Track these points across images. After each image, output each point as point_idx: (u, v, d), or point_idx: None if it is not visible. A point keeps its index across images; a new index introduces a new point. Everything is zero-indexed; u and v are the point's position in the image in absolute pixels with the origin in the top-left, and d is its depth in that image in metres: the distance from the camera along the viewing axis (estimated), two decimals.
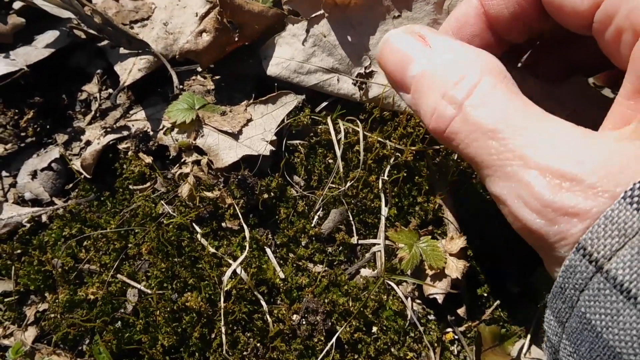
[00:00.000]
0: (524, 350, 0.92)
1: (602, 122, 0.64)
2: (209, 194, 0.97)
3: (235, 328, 0.88)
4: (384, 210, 0.98)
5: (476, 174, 1.00)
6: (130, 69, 1.10)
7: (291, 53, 1.02)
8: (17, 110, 1.11)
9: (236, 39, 1.03)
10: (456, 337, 0.94)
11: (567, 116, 0.73)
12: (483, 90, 0.64)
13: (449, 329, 0.95)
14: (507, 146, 0.59)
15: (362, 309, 0.90)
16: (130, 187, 1.03)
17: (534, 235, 0.59)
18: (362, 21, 0.98)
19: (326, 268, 0.95)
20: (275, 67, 1.03)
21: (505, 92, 0.63)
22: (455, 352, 0.93)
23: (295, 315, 0.89)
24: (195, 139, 1.02)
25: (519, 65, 0.96)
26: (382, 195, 0.99)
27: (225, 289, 0.88)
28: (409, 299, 0.94)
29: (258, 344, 0.87)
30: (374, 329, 0.91)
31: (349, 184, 0.98)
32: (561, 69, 0.87)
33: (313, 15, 0.99)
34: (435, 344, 0.92)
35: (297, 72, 1.02)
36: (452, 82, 0.66)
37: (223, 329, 0.87)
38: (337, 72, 1.02)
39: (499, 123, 0.60)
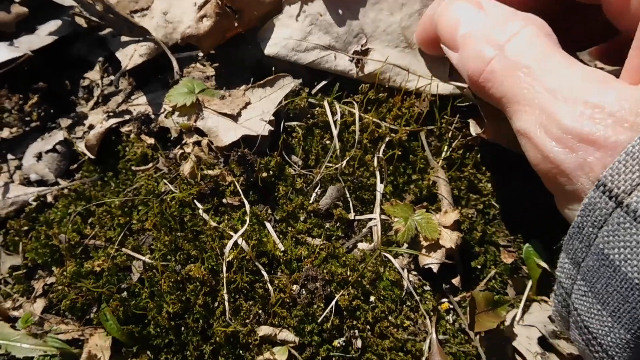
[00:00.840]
0: (517, 318, 0.95)
1: None
2: (210, 172, 1.00)
3: (237, 296, 0.91)
4: (380, 187, 1.01)
5: (468, 153, 1.03)
6: (132, 55, 1.13)
7: (289, 32, 1.05)
8: (21, 96, 1.14)
9: (236, 24, 1.07)
10: (451, 306, 0.97)
11: None
12: (523, 37, 0.70)
13: (444, 299, 0.97)
14: (538, 81, 0.65)
15: (359, 278, 0.93)
16: (133, 168, 1.06)
17: (552, 167, 0.63)
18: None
19: (324, 241, 0.98)
20: (273, 46, 1.05)
21: (543, 42, 0.69)
22: (451, 321, 0.96)
23: (295, 286, 0.92)
24: (195, 121, 1.05)
25: None
26: (378, 173, 1.02)
27: (228, 259, 0.91)
28: (405, 270, 0.97)
29: (260, 311, 0.90)
30: (372, 298, 0.94)
31: (345, 162, 1.01)
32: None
33: None
34: (432, 313, 0.94)
35: (294, 50, 1.04)
36: (497, 30, 0.73)
37: (226, 297, 0.89)
38: (334, 50, 1.04)
39: (534, 63, 0.67)
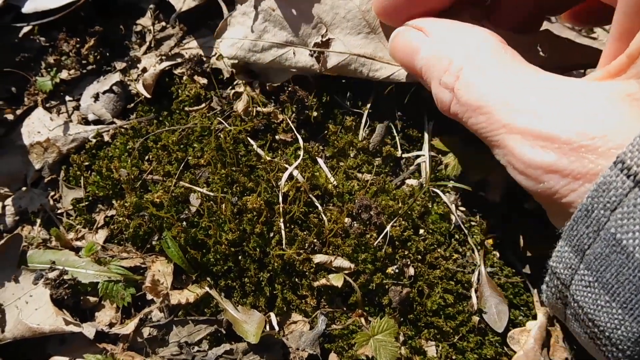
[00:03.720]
0: None
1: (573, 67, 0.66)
2: (263, 109, 1.03)
3: (292, 226, 0.94)
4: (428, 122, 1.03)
5: None
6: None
7: (244, 32, 1.02)
8: (78, 39, 1.18)
9: None
10: (499, 241, 0.99)
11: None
12: (468, 71, 0.69)
13: (491, 235, 0.99)
14: (494, 118, 0.64)
15: (409, 211, 0.95)
16: (187, 108, 1.08)
17: (532, 195, 0.64)
18: None
19: (374, 177, 1.00)
20: (230, 48, 1.03)
21: (490, 67, 0.68)
22: (498, 255, 0.98)
23: (347, 219, 0.95)
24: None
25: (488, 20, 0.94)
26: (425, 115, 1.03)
27: (283, 191, 0.94)
28: (453, 205, 0.99)
29: (315, 240, 0.93)
30: (421, 231, 0.97)
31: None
32: (526, 13, 0.90)
33: None
34: (479, 247, 0.97)
35: (251, 50, 1.02)
36: (443, 69, 0.72)
37: (282, 226, 0.92)
38: (292, 45, 1.01)
39: (484, 99, 0.65)
